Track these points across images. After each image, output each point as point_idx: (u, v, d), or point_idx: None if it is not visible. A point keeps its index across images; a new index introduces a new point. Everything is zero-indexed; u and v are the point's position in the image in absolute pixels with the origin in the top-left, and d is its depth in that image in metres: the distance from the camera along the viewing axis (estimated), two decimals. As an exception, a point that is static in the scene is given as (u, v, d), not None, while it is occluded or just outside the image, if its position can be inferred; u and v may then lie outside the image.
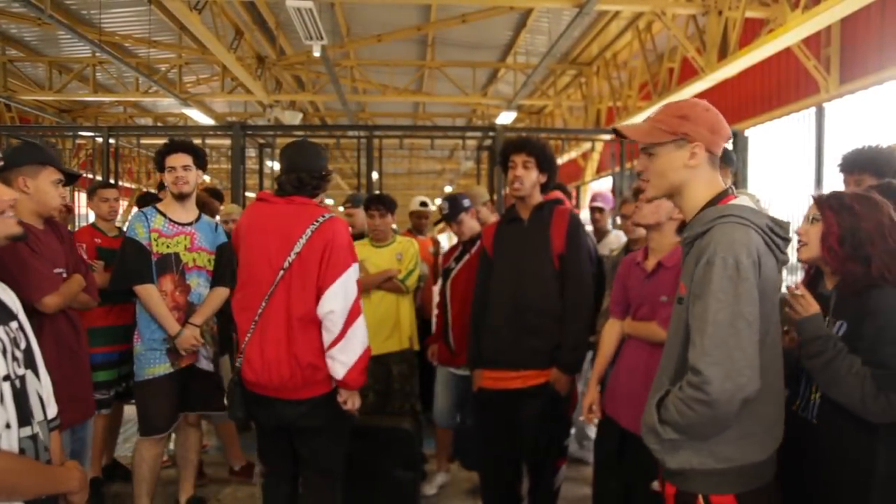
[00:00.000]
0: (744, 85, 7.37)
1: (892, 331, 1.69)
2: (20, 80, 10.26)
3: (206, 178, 17.90)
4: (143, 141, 9.29)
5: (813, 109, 6.27)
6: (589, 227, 4.08)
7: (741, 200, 1.62)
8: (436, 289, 4.11)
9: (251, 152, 7.09)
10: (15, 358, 1.39)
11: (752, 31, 6.12)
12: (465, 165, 17.05)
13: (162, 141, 3.72)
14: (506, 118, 9.56)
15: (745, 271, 1.47)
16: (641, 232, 2.74)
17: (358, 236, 4.00)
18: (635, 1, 6.50)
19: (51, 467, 1.46)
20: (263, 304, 2.38)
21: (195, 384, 3.09)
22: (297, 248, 2.35)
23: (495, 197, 5.50)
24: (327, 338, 2.37)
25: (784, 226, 1.62)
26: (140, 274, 2.96)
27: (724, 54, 6.23)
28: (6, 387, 1.33)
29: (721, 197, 1.62)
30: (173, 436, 3.44)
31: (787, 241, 1.63)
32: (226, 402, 2.57)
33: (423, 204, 4.82)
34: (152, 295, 2.97)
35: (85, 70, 9.67)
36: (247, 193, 6.35)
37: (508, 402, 2.80)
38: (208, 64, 9.62)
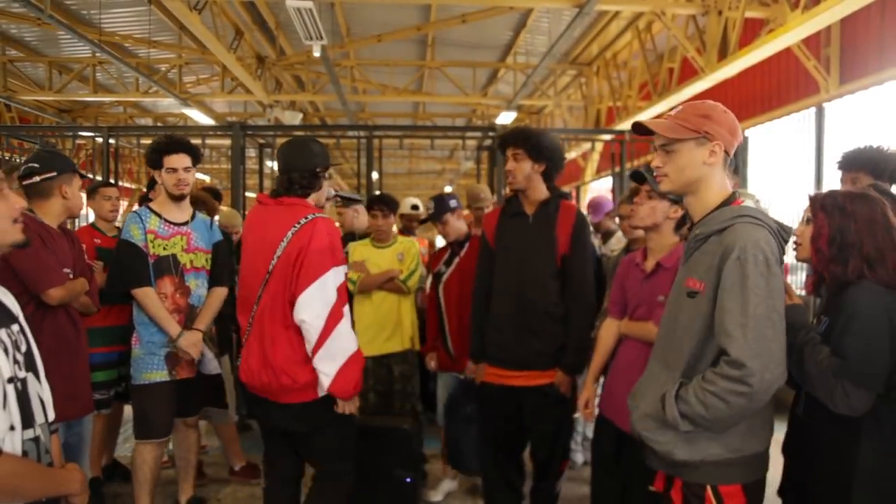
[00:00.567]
0: (744, 85, 7.37)
1: (858, 323, 1.73)
2: (20, 80, 10.26)
3: (207, 179, 17.86)
4: (143, 141, 9.24)
5: (813, 109, 6.27)
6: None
7: (747, 203, 1.69)
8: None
9: (251, 152, 7.09)
10: (16, 361, 1.39)
11: (752, 31, 6.12)
12: (465, 165, 17.04)
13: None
14: (506, 118, 9.56)
15: (773, 267, 1.57)
16: (640, 232, 2.74)
17: (347, 236, 3.98)
18: (635, 1, 6.50)
19: (52, 469, 1.46)
20: (255, 307, 2.38)
21: (195, 389, 3.07)
22: (278, 252, 2.30)
23: (494, 198, 5.49)
24: (308, 347, 2.29)
25: (787, 229, 1.69)
26: (137, 277, 2.92)
27: (724, 54, 6.23)
28: (10, 389, 1.34)
29: (733, 199, 1.70)
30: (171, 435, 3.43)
31: (787, 242, 1.69)
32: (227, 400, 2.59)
33: (415, 207, 4.78)
34: (151, 298, 2.92)
35: (85, 70, 9.67)
36: (247, 193, 6.35)
37: (511, 398, 2.81)
38: (208, 64, 9.61)
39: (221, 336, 3.70)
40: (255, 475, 3.83)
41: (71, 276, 2.73)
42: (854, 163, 2.64)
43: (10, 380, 1.34)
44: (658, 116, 1.82)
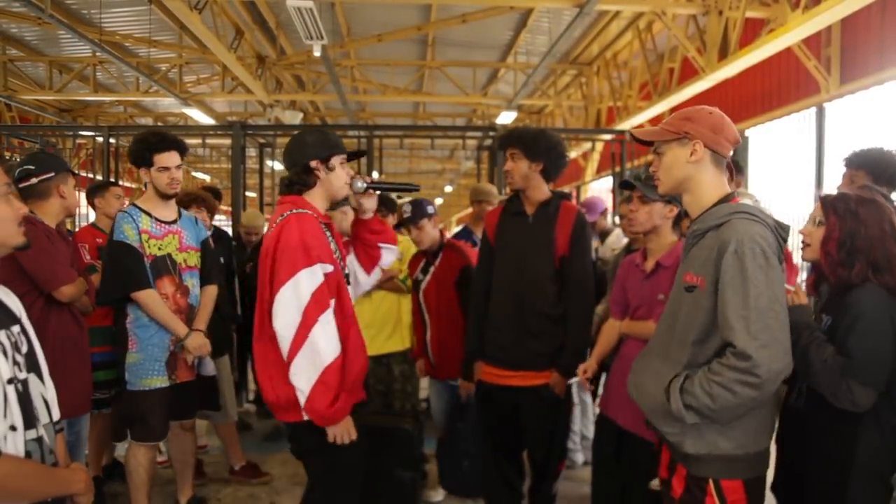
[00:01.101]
0: (744, 85, 7.37)
1: (863, 323, 1.77)
2: (20, 79, 10.26)
3: (207, 178, 17.84)
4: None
5: (813, 109, 6.28)
6: None
7: (745, 202, 1.72)
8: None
9: (251, 152, 7.10)
10: (16, 362, 1.39)
11: (753, 31, 6.12)
12: (465, 165, 17.03)
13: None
14: (506, 118, 9.56)
15: (771, 259, 1.59)
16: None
17: None
18: (635, 1, 6.50)
19: (56, 469, 1.46)
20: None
21: (192, 392, 3.03)
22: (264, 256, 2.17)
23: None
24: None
25: (785, 228, 1.71)
26: (138, 280, 2.82)
27: (724, 54, 6.23)
28: (10, 390, 1.34)
29: (730, 197, 1.73)
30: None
31: (785, 241, 1.71)
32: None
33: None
34: (155, 300, 2.84)
35: (85, 70, 9.67)
36: (247, 193, 6.35)
37: (508, 398, 2.81)
38: (208, 64, 9.62)
39: (221, 336, 3.71)
40: (255, 475, 3.83)
41: None
42: (857, 160, 2.68)
43: (10, 381, 1.34)
44: (658, 118, 1.86)
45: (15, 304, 1.49)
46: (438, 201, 24.78)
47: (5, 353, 1.35)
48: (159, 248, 2.92)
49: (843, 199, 1.92)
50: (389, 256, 2.51)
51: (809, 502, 1.91)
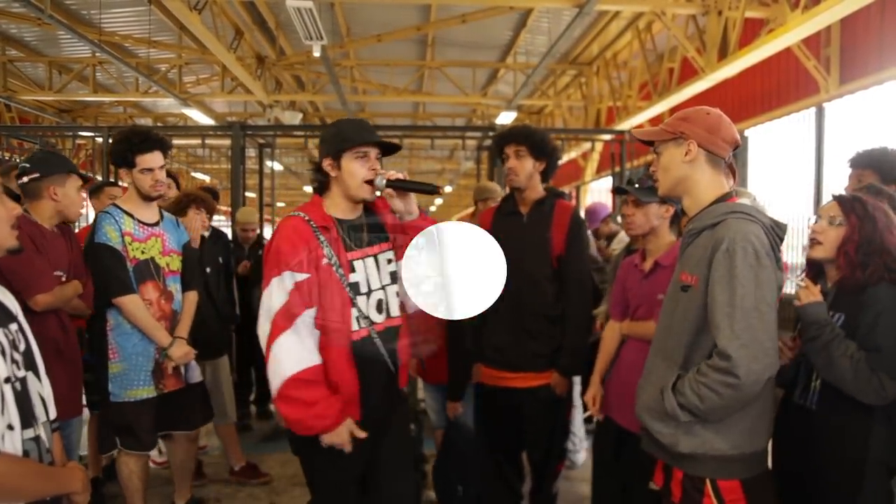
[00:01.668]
0: (744, 85, 7.37)
1: (887, 318, 1.82)
2: (20, 80, 10.25)
3: (206, 179, 17.83)
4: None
5: (813, 109, 6.27)
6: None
7: (742, 201, 1.72)
8: None
9: (251, 152, 7.09)
10: (14, 360, 1.39)
11: (752, 31, 6.12)
12: (465, 165, 17.02)
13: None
14: (506, 118, 9.56)
15: (763, 259, 1.58)
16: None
17: None
18: (635, 1, 6.50)
19: (53, 469, 1.46)
20: None
21: (180, 400, 2.94)
22: None
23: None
24: None
25: (782, 227, 1.71)
26: (122, 284, 2.70)
27: (724, 54, 6.23)
28: (7, 389, 1.34)
29: (728, 197, 1.74)
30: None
31: (782, 240, 1.72)
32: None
33: None
34: (139, 306, 2.72)
35: (85, 70, 9.66)
36: (246, 194, 6.35)
37: (507, 399, 2.80)
38: (208, 64, 9.61)
39: (220, 336, 3.71)
40: (255, 475, 3.83)
41: (64, 278, 2.64)
42: (863, 160, 2.68)
43: (7, 380, 1.34)
44: (658, 118, 1.87)
45: (11, 302, 1.49)
46: (438, 201, 24.79)
47: (3, 352, 1.35)
48: (142, 252, 2.79)
49: (861, 201, 1.94)
50: None
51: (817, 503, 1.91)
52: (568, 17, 7.09)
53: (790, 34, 5.16)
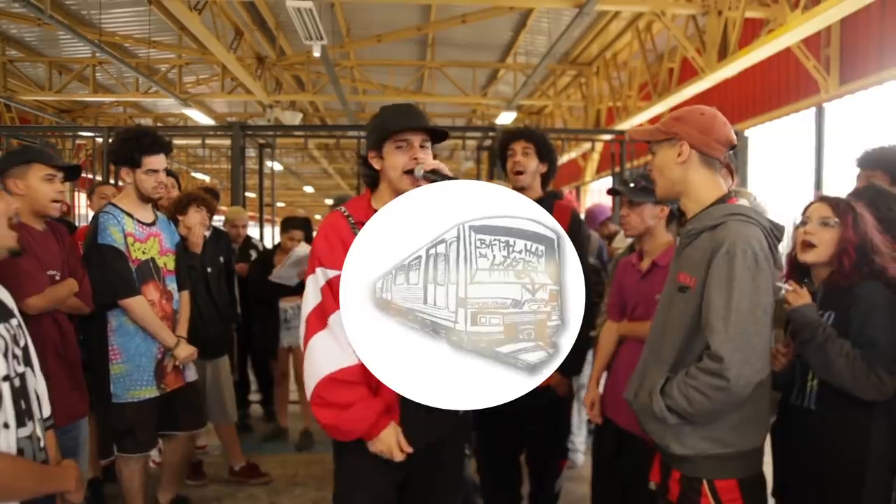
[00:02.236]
0: (744, 85, 7.37)
1: (880, 314, 1.84)
2: (20, 80, 10.26)
3: (206, 179, 17.81)
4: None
5: (813, 110, 6.28)
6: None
7: (741, 202, 1.71)
8: None
9: (251, 152, 7.08)
10: (15, 356, 1.39)
11: (752, 32, 6.12)
12: (465, 165, 17.04)
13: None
14: (506, 118, 9.56)
15: (762, 263, 1.58)
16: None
17: None
18: (635, 1, 6.50)
19: (47, 467, 1.46)
20: None
21: (178, 401, 2.92)
22: None
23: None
24: None
25: (781, 229, 1.71)
26: (129, 286, 2.68)
27: (724, 54, 6.23)
28: (5, 387, 1.34)
29: (727, 198, 1.72)
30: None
31: (780, 241, 1.71)
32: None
33: None
34: (146, 307, 2.71)
35: (85, 70, 9.67)
36: (247, 193, 6.35)
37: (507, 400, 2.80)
38: (208, 64, 9.62)
39: (221, 336, 3.70)
40: (254, 475, 3.83)
41: (57, 277, 2.55)
42: (871, 160, 2.66)
43: (6, 378, 1.34)
44: (657, 119, 1.86)
45: (9, 299, 1.49)
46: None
47: (6, 348, 1.35)
48: (143, 252, 2.78)
49: (852, 205, 1.94)
50: None
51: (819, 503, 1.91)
52: (568, 17, 7.09)
53: (790, 34, 5.16)
